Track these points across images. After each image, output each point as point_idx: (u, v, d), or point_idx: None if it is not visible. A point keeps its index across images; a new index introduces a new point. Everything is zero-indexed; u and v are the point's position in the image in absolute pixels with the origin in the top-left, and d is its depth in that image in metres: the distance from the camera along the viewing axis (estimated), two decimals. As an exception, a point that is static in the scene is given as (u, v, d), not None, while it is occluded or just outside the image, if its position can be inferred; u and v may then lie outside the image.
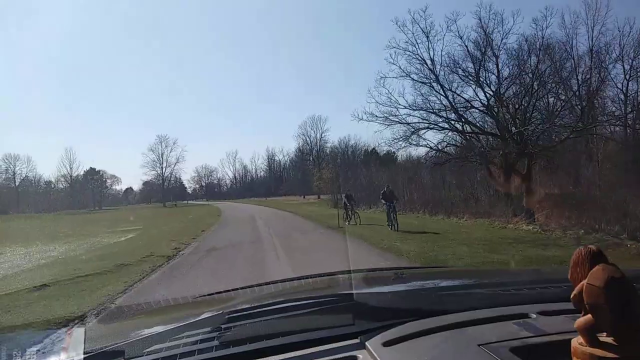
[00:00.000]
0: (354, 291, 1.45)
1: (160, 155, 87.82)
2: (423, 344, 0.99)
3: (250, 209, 38.76)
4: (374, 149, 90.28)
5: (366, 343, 1.01)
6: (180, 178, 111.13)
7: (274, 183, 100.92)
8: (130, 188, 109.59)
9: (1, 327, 4.61)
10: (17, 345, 1.07)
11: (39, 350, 1.04)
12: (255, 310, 1.31)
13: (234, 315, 1.25)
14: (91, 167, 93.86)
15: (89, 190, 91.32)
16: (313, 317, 1.26)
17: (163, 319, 1.68)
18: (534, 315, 1.11)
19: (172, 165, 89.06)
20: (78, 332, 1.04)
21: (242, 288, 1.85)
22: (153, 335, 1.11)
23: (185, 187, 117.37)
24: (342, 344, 1.04)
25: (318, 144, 76.89)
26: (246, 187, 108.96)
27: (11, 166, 77.08)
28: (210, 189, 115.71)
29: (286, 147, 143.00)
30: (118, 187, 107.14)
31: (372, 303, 1.36)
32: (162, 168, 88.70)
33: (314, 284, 2.01)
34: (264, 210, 35.32)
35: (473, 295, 1.48)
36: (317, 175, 45.21)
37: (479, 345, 0.92)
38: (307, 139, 78.08)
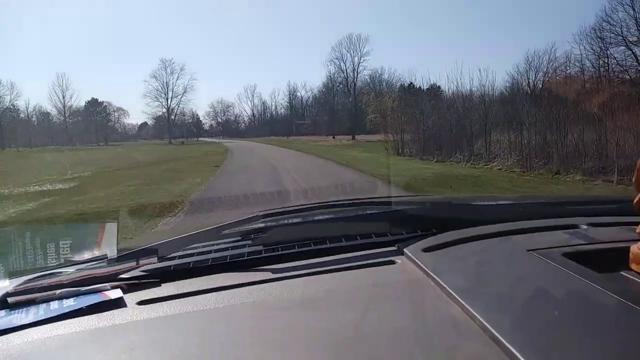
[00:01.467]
0: (392, 199, 1.41)
1: (164, 84, 75.19)
2: (466, 249, 0.96)
3: (270, 152, 28.31)
4: (411, 83, 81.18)
5: (405, 249, 0.97)
6: (195, 113, 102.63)
7: (296, 121, 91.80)
8: (145, 123, 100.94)
9: (35, 220, 5.82)
10: (51, 238, 1.05)
11: (72, 242, 1.04)
12: (290, 215, 1.31)
13: (268, 217, 1.23)
14: (93, 98, 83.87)
15: (91, 124, 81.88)
16: (348, 224, 1.24)
17: (196, 225, 1.59)
18: (585, 226, 1.06)
19: (179, 96, 77.03)
20: (111, 227, 1.04)
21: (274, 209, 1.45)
22: (185, 237, 1.09)
23: (202, 123, 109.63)
24: (380, 250, 1.02)
25: (355, 71, 61.32)
26: (265, 125, 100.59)
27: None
28: (227, 126, 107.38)
29: (310, 82, 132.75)
30: (126, 121, 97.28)
31: (411, 213, 1.33)
32: (167, 98, 76.14)
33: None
34: (291, 158, 21.85)
35: (517, 207, 1.47)
36: (372, 106, 32.24)
37: (528, 250, 0.88)
38: (342, 64, 62.09)
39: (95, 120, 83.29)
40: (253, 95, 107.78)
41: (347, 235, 1.10)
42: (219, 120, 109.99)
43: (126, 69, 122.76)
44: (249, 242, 1.09)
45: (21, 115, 70.29)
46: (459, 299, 0.69)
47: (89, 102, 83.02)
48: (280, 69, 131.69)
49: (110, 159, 26.52)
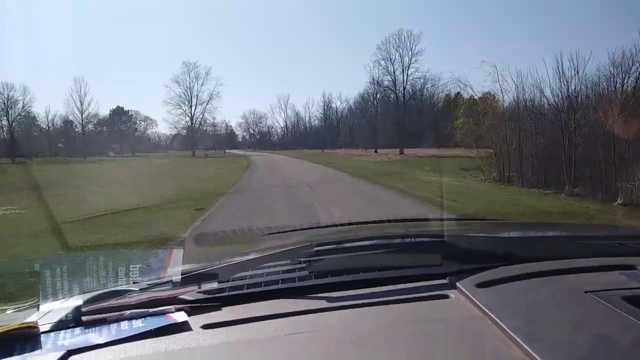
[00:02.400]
0: (445, 232, 1.37)
1: (188, 89, 67.79)
2: (522, 287, 0.93)
3: (303, 170, 21.41)
4: (458, 93, 73.98)
5: (457, 283, 0.96)
6: (228, 123, 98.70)
7: (330, 133, 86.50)
8: (179, 134, 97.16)
9: (110, 244, 5.56)
10: (122, 261, 1.13)
11: (141, 266, 1.10)
12: (342, 245, 1.31)
13: (320, 247, 1.22)
14: (118, 106, 79.54)
15: (115, 133, 77.40)
16: (400, 255, 1.24)
17: (249, 247, 1.67)
18: None
19: (204, 104, 69.47)
20: (177, 253, 1.10)
21: (325, 226, 1.76)
22: (243, 261, 1.13)
23: (236, 134, 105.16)
24: (431, 282, 1.00)
25: (405, 73, 49.43)
26: (298, 137, 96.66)
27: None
28: (260, 138, 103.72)
29: (345, 92, 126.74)
30: (161, 131, 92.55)
31: (463, 245, 1.26)
32: (190, 106, 68.66)
33: (402, 226, 1.88)
34: (334, 184, 14.67)
35: (573, 244, 1.43)
36: (459, 113, 22.52)
37: (586, 292, 0.86)
38: (390, 65, 49.59)
39: (120, 129, 78.47)
40: (286, 106, 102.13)
41: (397, 265, 1.10)
42: (251, 131, 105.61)
43: (156, 78, 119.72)
44: (302, 266, 1.11)
45: (41, 124, 65.60)
46: (520, 341, 0.67)
47: (113, 110, 78.76)
48: (314, 78, 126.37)
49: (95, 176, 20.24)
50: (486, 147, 18.83)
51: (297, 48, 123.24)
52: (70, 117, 66.19)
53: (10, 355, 0.74)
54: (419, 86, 49.46)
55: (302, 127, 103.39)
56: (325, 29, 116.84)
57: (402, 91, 47.40)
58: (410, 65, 48.09)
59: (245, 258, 1.16)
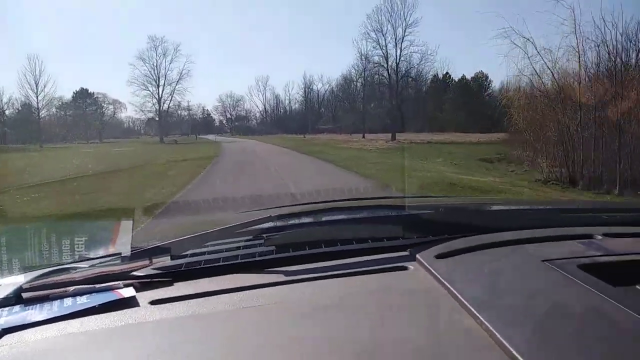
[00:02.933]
0: (406, 205, 1.41)
1: (154, 67, 59.71)
2: (480, 257, 0.95)
3: (286, 165, 15.87)
4: (447, 73, 68.65)
5: (417, 255, 0.97)
6: (205, 107, 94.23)
7: (311, 117, 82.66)
8: (153, 118, 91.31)
9: (54, 216, 5.75)
10: (67, 234, 1.09)
11: (87, 239, 1.07)
12: (303, 218, 1.32)
13: (280, 220, 1.22)
14: (82, 88, 72.92)
15: (79, 118, 70.87)
16: (361, 227, 1.24)
17: (208, 221, 1.72)
18: (600, 237, 1.05)
19: (174, 84, 61.38)
20: (126, 225, 1.06)
21: (289, 206, 1.71)
22: (198, 235, 1.07)
23: (213, 119, 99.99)
24: (391, 255, 1.01)
25: (398, 47, 41.71)
26: (278, 121, 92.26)
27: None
28: (238, 122, 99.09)
29: (327, 73, 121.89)
30: (127, 115, 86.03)
31: (424, 218, 1.31)
32: (158, 85, 60.42)
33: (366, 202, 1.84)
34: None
35: (532, 214, 1.44)
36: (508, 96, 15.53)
37: (542, 260, 0.87)
38: (381, 38, 41.91)
39: (85, 114, 71.88)
40: (265, 88, 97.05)
41: (358, 238, 1.09)
42: (229, 115, 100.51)
43: (125, 58, 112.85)
44: (261, 241, 1.09)
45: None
46: (474, 311, 0.69)
47: (77, 93, 72.16)
48: (295, 59, 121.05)
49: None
50: (516, 132, 14.14)
51: (276, 27, 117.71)
52: (26, 101, 59.07)
53: None
54: (416, 62, 43.63)
55: (282, 110, 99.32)
56: (305, 5, 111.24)
57: (395, 68, 41.38)
58: (405, 38, 41.73)
59: (201, 232, 1.08)
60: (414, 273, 0.91)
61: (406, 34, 40.84)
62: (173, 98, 62.51)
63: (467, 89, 60.68)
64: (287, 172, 12.88)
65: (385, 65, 41.61)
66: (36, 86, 54.48)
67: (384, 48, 41.56)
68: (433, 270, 0.87)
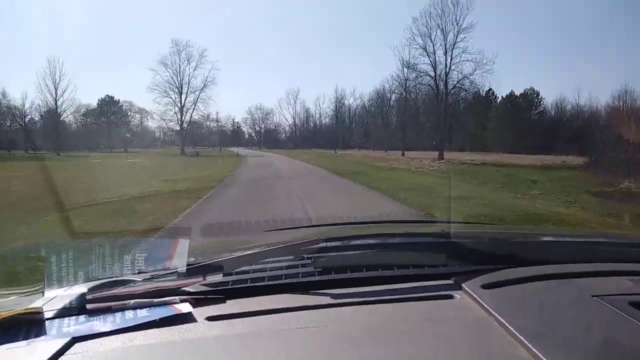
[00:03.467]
0: (451, 232, 1.40)
1: (177, 73, 54.99)
2: (528, 289, 0.93)
3: (330, 195, 11.29)
4: (490, 90, 60.92)
5: (462, 284, 0.95)
6: (234, 119, 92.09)
7: (342, 132, 79.24)
8: (183, 129, 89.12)
9: (114, 233, 5.93)
10: (127, 250, 1.13)
11: (147, 255, 1.10)
12: (348, 242, 1.32)
13: (325, 243, 1.22)
14: (108, 95, 70.76)
15: (103, 126, 68.52)
16: (405, 253, 1.24)
17: (253, 241, 1.73)
18: None
19: (198, 91, 56.20)
20: (183, 244, 1.10)
21: (328, 225, 1.70)
22: (249, 254, 1.13)
23: (242, 131, 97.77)
24: (435, 282, 1.00)
25: (449, 55, 35.20)
26: (307, 135, 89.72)
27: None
28: (267, 135, 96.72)
29: (359, 89, 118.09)
30: (157, 125, 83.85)
31: (469, 246, 1.26)
32: (180, 93, 55.48)
33: (409, 226, 1.85)
34: None
35: (580, 249, 1.40)
36: None
37: (593, 296, 0.86)
38: (429, 44, 35.61)
39: (110, 122, 69.47)
40: (295, 102, 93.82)
41: (402, 264, 1.08)
42: (257, 128, 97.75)
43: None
44: (307, 262, 1.10)
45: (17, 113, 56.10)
46: (525, 342, 0.68)
47: (102, 100, 70.00)
48: (326, 73, 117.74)
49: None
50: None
51: (308, 39, 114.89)
52: (52, 106, 56.16)
53: (15, 339, 0.75)
54: (469, 72, 35.86)
55: (312, 124, 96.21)
56: (338, 18, 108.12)
57: (444, 78, 35.22)
58: (456, 44, 35.34)
59: (249, 252, 1.15)
60: (460, 302, 0.89)
61: (458, 39, 34.98)
62: (197, 107, 57.56)
63: (515, 105, 55.20)
64: (324, 210, 8.20)
65: (433, 75, 35.89)
66: (55, 90, 51.20)
67: (431, 55, 35.72)
68: (480, 300, 0.85)
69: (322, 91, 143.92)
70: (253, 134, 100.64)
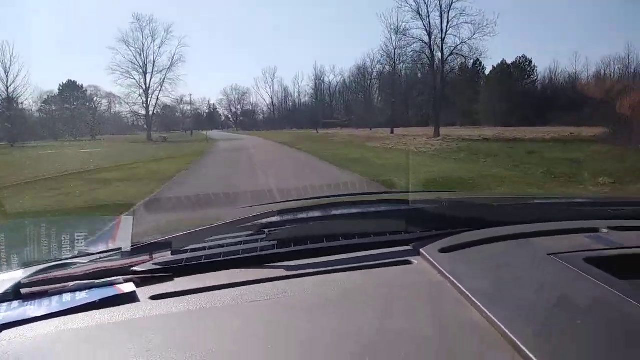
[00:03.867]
0: (409, 200, 1.39)
1: (141, 51, 49.96)
2: (485, 251, 0.94)
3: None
4: (477, 61, 57.54)
5: (421, 250, 0.96)
6: (210, 101, 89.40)
7: (323, 111, 75.84)
8: (156, 113, 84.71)
9: (53, 212, 5.88)
10: (67, 230, 1.07)
11: (87, 235, 1.06)
12: (305, 213, 1.29)
13: (282, 215, 1.19)
14: (70, 80, 65.43)
15: (67, 113, 63.23)
16: (363, 221, 1.22)
17: (207, 214, 1.77)
18: (605, 230, 1.03)
19: (165, 70, 51.08)
20: (127, 221, 1.05)
21: (290, 201, 1.59)
22: (199, 230, 1.06)
23: (219, 114, 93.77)
24: (394, 249, 1.00)
25: (444, 17, 30.89)
26: (287, 115, 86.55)
27: None
28: (244, 117, 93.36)
29: (339, 65, 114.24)
30: (131, 109, 79.49)
31: (427, 212, 1.27)
32: (144, 72, 50.31)
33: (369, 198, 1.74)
34: None
35: (536, 208, 1.41)
36: None
37: (548, 254, 0.87)
38: (423, 5, 31.46)
39: (74, 109, 64.17)
40: (273, 81, 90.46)
41: (361, 233, 1.08)
42: (233, 109, 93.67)
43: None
44: (262, 237, 1.07)
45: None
46: (479, 305, 0.69)
47: (64, 85, 64.75)
48: (304, 50, 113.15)
49: None
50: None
51: (284, 13, 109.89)
52: (11, 95, 50.68)
53: None
54: (467, 36, 31.40)
55: (291, 104, 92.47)
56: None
57: (440, 44, 30.93)
58: (453, 6, 31.09)
59: (202, 227, 1.08)
60: (418, 267, 0.90)
61: (453, 1, 30.80)
62: (164, 88, 52.47)
63: (506, 75, 52.01)
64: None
65: (427, 41, 31.56)
66: (6, 75, 45.96)
67: (425, 19, 31.31)
68: (437, 265, 0.86)
69: (300, 70, 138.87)
70: (230, 116, 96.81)
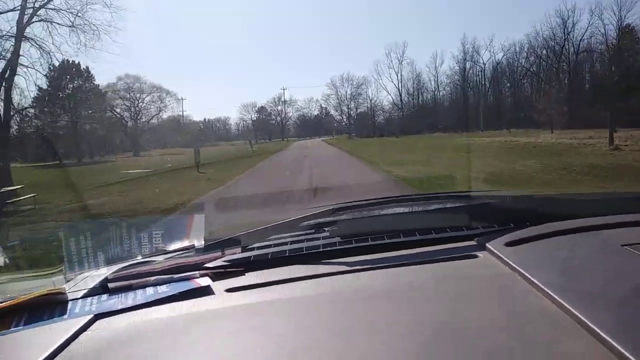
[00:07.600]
0: (471, 195, 1.37)
1: None
2: (553, 244, 0.92)
3: None
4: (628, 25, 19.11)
5: (487, 244, 0.95)
6: (321, 104, 77.80)
7: (477, 105, 58.58)
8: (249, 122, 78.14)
9: (127, 211, 6.39)
10: (141, 229, 1.15)
11: (163, 233, 1.11)
12: (366, 209, 1.29)
13: (343, 210, 1.23)
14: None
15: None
16: (425, 218, 1.23)
17: (274, 211, 2.41)
18: None
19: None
20: (199, 219, 1.11)
21: (352, 202, 1.56)
22: (266, 228, 1.14)
23: (332, 117, 78.28)
24: (458, 244, 1.00)
25: None
26: (420, 114, 64.76)
27: None
28: (359, 118, 73.59)
29: (498, 38, 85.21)
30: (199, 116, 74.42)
31: (491, 208, 1.27)
32: None
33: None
34: None
35: (607, 203, 1.39)
36: None
37: (622, 245, 0.85)
38: None
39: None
40: (401, 63, 68.41)
41: (421, 229, 1.07)
42: (343, 108, 72.45)
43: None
44: (325, 234, 1.10)
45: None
46: (551, 293, 0.68)
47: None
48: (446, 16, 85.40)
49: None
50: None
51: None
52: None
53: (39, 320, 0.76)
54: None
55: (426, 95, 66.90)
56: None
57: None
58: None
59: (269, 225, 1.15)
60: (485, 261, 0.89)
61: None
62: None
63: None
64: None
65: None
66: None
67: None
68: (505, 257, 0.85)
69: (440, 47, 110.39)
70: (342, 117, 74.57)
